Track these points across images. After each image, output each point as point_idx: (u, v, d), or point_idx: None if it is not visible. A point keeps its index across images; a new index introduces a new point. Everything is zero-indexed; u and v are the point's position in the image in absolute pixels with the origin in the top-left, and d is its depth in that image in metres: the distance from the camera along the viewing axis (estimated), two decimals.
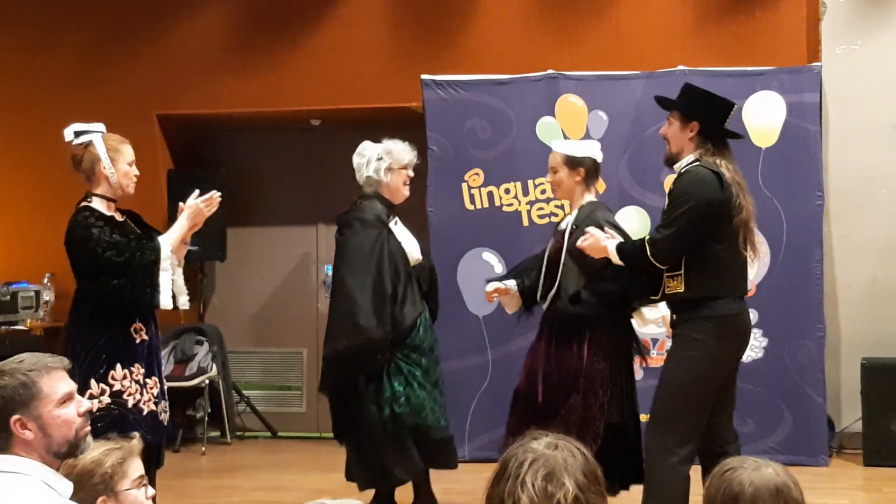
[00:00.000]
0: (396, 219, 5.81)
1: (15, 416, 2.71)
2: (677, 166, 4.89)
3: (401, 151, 5.78)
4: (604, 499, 2.34)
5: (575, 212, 5.34)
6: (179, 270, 5.17)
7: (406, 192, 5.83)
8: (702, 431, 4.74)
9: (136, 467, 3.04)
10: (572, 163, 5.34)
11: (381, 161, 5.76)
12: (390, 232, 5.68)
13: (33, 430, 2.73)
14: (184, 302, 5.15)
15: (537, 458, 2.32)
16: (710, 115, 4.84)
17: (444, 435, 5.73)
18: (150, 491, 3.07)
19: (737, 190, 4.73)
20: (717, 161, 4.77)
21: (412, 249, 5.78)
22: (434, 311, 5.89)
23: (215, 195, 5.19)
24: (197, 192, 5.21)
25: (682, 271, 4.73)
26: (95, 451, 2.98)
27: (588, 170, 5.34)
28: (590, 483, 2.31)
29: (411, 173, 5.83)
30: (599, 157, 5.45)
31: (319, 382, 5.83)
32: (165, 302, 4.94)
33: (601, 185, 7.45)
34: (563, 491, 2.26)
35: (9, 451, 2.73)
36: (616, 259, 4.90)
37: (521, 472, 2.30)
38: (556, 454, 2.33)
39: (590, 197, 5.36)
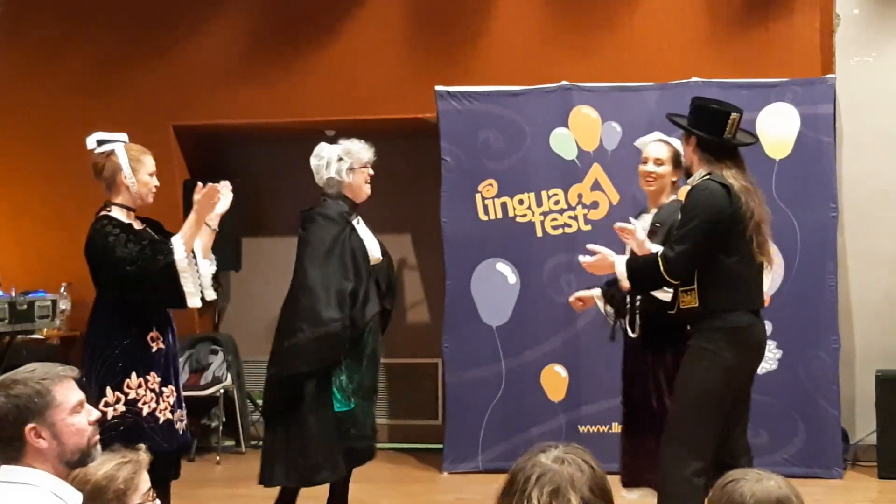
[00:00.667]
0: (359, 217, 5.82)
1: (30, 425, 2.73)
2: (690, 181, 4.90)
3: (360, 150, 5.79)
4: None
5: (654, 210, 5.29)
6: (207, 262, 5.22)
7: (368, 190, 5.85)
8: (716, 443, 4.73)
9: (146, 480, 3.06)
10: (678, 162, 5.26)
11: (342, 162, 5.79)
12: (353, 229, 5.68)
13: (47, 438, 2.75)
14: (210, 294, 5.18)
15: (544, 472, 2.33)
16: (704, 127, 4.83)
17: (370, 444, 5.74)
18: (158, 503, 3.09)
19: (746, 198, 4.73)
20: (724, 172, 4.77)
21: (373, 248, 5.80)
22: (389, 312, 5.91)
23: (223, 184, 5.25)
24: (200, 184, 5.25)
25: (696, 286, 4.73)
26: (106, 466, 2.99)
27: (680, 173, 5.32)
28: (596, 498, 2.31)
29: (371, 171, 5.85)
30: None
31: (268, 376, 5.75)
32: (194, 302, 5.00)
33: (615, 196, 7.49)
34: None
35: (20, 461, 2.74)
36: (623, 277, 4.86)
37: (527, 488, 2.31)
38: (562, 469, 2.33)
39: (674, 196, 5.29)
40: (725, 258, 4.71)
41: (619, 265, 4.87)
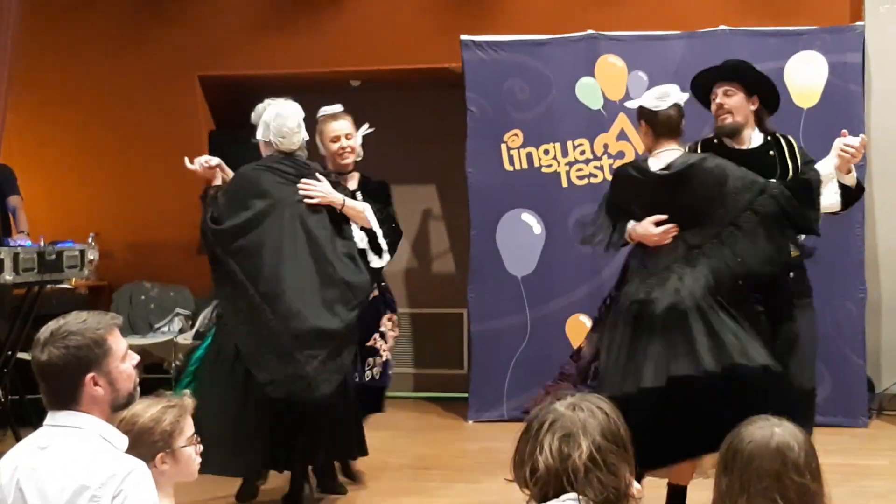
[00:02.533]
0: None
1: (90, 374, 2.80)
2: (749, 136, 4.96)
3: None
4: (625, 460, 2.36)
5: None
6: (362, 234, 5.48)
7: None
8: None
9: (190, 425, 3.13)
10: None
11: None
12: None
13: (104, 385, 2.82)
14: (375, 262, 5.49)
15: (557, 418, 2.37)
16: (769, 94, 5.03)
17: None
18: (200, 447, 3.16)
19: None
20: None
21: None
22: None
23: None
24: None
25: None
26: (153, 409, 3.07)
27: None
28: (608, 443, 2.33)
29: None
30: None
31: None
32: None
33: (641, 146, 7.46)
34: (578, 451, 2.30)
35: (72, 407, 2.81)
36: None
37: (540, 434, 2.36)
38: (575, 415, 2.36)
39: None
40: None
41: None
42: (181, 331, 8.48)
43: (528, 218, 7.64)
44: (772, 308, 4.90)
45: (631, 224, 4.85)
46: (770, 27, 7.31)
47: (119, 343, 2.88)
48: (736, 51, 7.29)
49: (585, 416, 2.36)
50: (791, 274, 5.01)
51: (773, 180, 4.81)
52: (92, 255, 8.66)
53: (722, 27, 7.32)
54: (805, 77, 7.25)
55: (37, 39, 8.77)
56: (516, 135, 7.64)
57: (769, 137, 5.02)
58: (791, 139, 5.10)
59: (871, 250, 7.39)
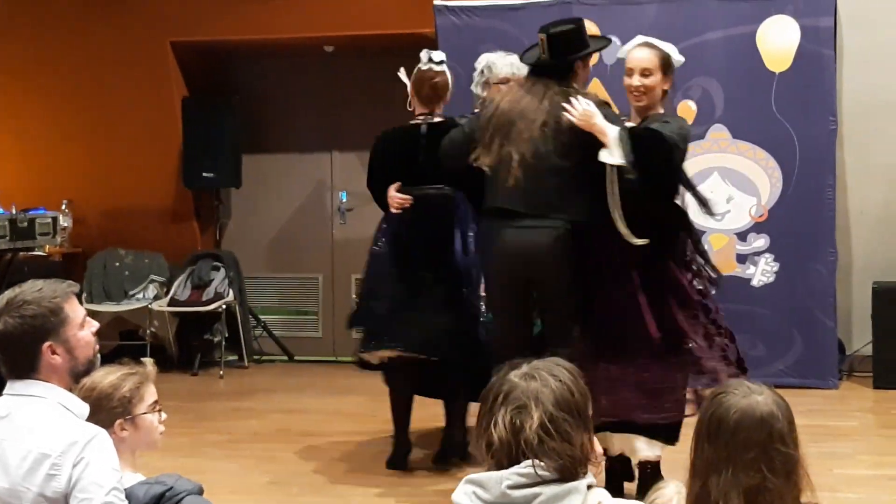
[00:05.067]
0: None
1: (47, 343, 2.80)
2: None
3: (501, 65, 5.53)
4: (582, 428, 2.34)
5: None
6: None
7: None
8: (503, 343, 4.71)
9: (152, 392, 3.12)
10: (668, 67, 4.74)
11: (482, 75, 5.62)
12: None
13: (61, 354, 2.83)
14: None
15: (511, 389, 2.35)
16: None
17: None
18: (164, 415, 3.15)
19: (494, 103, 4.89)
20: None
21: None
22: None
23: None
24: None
25: None
26: (112, 376, 3.06)
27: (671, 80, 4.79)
28: (563, 412, 2.31)
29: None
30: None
31: None
32: None
33: (615, 110, 7.47)
34: (529, 422, 2.28)
35: (31, 375, 2.81)
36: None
37: (494, 406, 2.34)
38: (528, 385, 2.34)
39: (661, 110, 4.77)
40: None
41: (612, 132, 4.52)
42: (156, 297, 8.48)
43: None
44: None
45: None
46: None
47: (76, 311, 2.88)
48: (708, 15, 7.33)
49: (538, 385, 2.33)
50: None
51: None
52: (65, 222, 8.65)
53: None
54: (777, 41, 7.28)
55: (5, 6, 8.69)
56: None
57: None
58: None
59: (841, 214, 7.44)
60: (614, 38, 7.42)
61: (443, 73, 5.63)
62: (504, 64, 5.52)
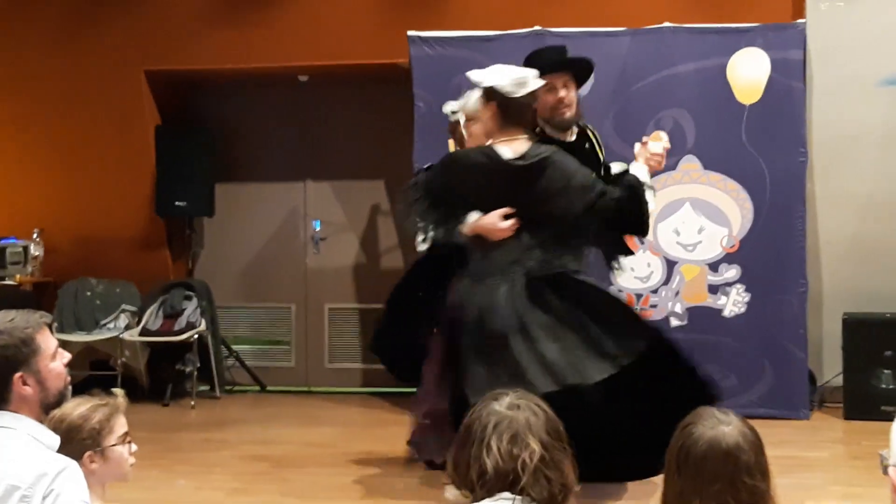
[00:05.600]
0: None
1: (18, 374, 2.78)
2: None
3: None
4: (567, 454, 2.38)
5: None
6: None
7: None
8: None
9: (122, 424, 3.10)
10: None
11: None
12: None
13: (32, 385, 2.81)
14: None
15: (501, 420, 2.35)
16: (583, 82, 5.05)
17: None
18: (134, 447, 3.13)
19: None
20: None
21: None
22: None
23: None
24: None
25: None
26: (82, 407, 3.04)
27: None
28: (553, 440, 2.35)
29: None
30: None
31: None
32: None
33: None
34: (528, 452, 2.30)
35: (1, 406, 2.79)
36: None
37: (485, 436, 2.34)
38: (518, 415, 2.35)
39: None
40: None
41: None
42: (127, 327, 8.43)
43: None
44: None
45: (474, 216, 4.72)
46: (713, 24, 7.39)
47: (48, 342, 2.86)
48: (680, 47, 7.39)
49: (528, 414, 2.36)
50: None
51: (608, 184, 4.75)
52: (36, 251, 8.61)
53: (666, 24, 7.40)
54: (748, 73, 7.35)
55: None
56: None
57: (577, 128, 4.96)
58: (593, 129, 5.01)
59: (812, 244, 7.50)
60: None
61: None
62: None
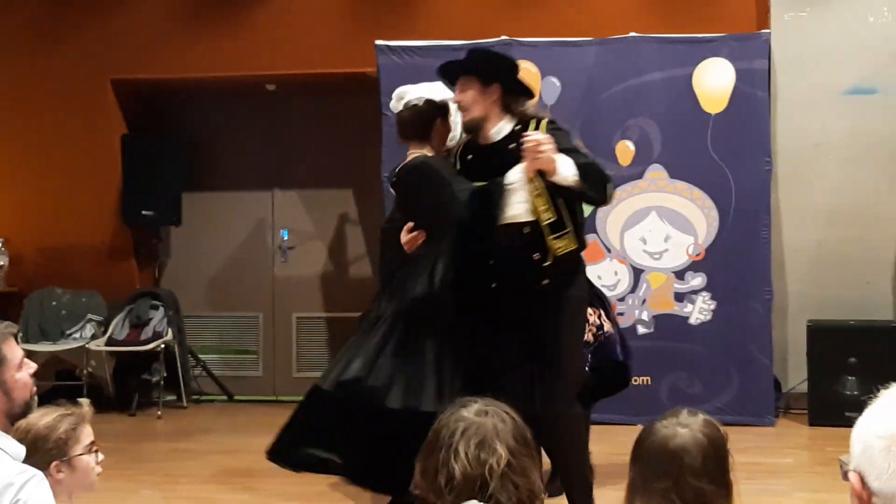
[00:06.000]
0: None
1: None
2: (496, 128, 4.64)
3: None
4: (534, 460, 2.40)
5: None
6: None
7: None
8: None
9: (88, 433, 3.09)
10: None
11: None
12: None
13: None
14: None
15: (469, 426, 2.36)
16: (510, 79, 4.63)
17: None
18: (101, 457, 3.12)
19: None
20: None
21: None
22: None
23: None
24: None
25: (571, 226, 4.51)
26: (48, 417, 3.02)
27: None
28: (520, 446, 2.36)
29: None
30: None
31: None
32: None
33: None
34: (495, 457, 2.31)
35: None
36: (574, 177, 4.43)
37: (453, 442, 2.34)
38: (486, 421, 2.36)
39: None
40: None
41: (565, 163, 4.39)
42: (93, 337, 8.38)
43: None
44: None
45: None
46: (679, 34, 7.44)
47: (14, 352, 2.84)
48: (646, 57, 7.44)
49: (496, 421, 2.38)
50: None
51: (472, 185, 4.56)
52: (1, 260, 8.54)
53: (632, 34, 7.45)
54: (713, 83, 7.41)
55: None
56: None
57: (518, 125, 4.61)
58: (545, 121, 4.62)
59: (777, 252, 7.56)
60: (554, 80, 7.55)
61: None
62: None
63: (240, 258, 9.08)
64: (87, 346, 8.27)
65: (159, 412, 8.13)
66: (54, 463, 2.99)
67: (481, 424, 2.36)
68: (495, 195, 4.47)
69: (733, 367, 7.33)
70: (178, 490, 5.98)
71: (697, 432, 2.41)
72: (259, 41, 8.32)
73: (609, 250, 7.43)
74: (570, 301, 4.57)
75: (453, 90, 4.70)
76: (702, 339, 7.35)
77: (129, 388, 8.34)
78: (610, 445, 5.74)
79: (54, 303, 8.52)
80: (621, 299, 7.44)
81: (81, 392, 7.80)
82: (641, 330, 7.42)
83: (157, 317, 8.29)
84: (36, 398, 2.93)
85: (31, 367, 2.90)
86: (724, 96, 7.39)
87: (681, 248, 7.43)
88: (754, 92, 7.38)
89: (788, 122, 7.66)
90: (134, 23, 8.49)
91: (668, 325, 7.41)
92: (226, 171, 9.08)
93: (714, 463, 2.37)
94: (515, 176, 4.47)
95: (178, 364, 8.35)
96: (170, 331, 8.25)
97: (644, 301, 7.45)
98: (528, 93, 4.70)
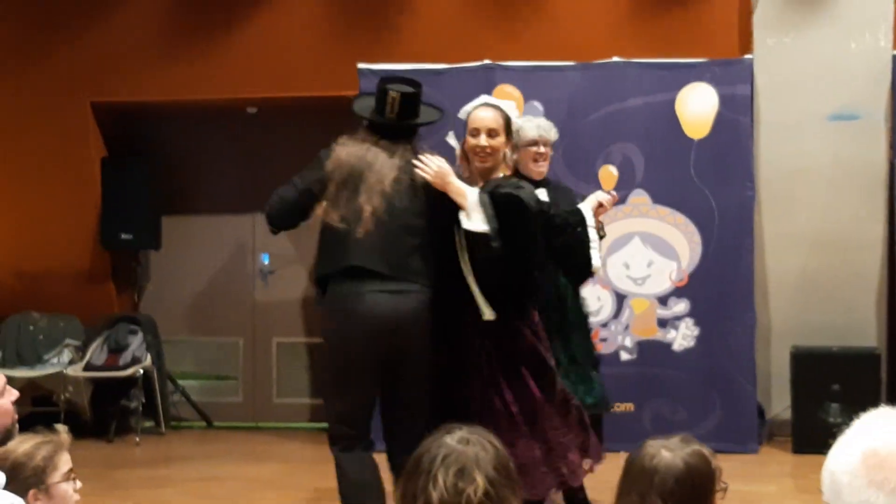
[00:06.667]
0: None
1: None
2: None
3: (528, 128, 5.46)
4: (515, 492, 2.37)
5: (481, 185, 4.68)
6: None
7: (538, 168, 5.45)
8: (354, 417, 4.57)
9: (66, 461, 3.05)
10: (510, 128, 4.81)
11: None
12: None
13: None
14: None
15: (449, 453, 2.34)
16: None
17: None
18: (79, 484, 3.07)
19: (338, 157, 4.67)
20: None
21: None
22: None
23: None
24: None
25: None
26: (26, 444, 2.99)
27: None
28: (501, 477, 2.33)
29: (542, 149, 5.43)
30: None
31: None
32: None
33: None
34: (473, 486, 2.29)
35: None
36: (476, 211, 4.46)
37: (433, 468, 2.32)
38: (467, 449, 2.34)
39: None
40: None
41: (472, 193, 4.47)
42: (71, 362, 8.30)
43: None
44: None
45: None
46: (662, 59, 7.44)
47: None
48: (629, 82, 7.44)
49: (478, 449, 2.35)
50: None
51: None
52: None
53: (615, 58, 7.44)
54: (696, 108, 7.40)
55: None
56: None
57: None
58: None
59: (760, 279, 7.54)
60: (537, 104, 7.54)
61: None
62: (531, 127, 5.49)
63: (220, 282, 9.01)
64: (64, 371, 8.19)
65: (137, 439, 8.05)
66: (32, 491, 2.95)
67: (462, 452, 2.34)
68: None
69: (717, 393, 7.30)
70: None
71: (679, 458, 2.49)
72: (240, 64, 8.28)
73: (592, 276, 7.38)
74: None
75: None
76: (685, 365, 7.31)
77: (106, 415, 8.25)
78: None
79: (31, 327, 8.44)
80: (604, 325, 7.40)
81: (59, 418, 7.71)
82: (625, 356, 7.38)
83: (136, 342, 8.21)
84: (17, 425, 2.89)
85: (13, 394, 2.87)
86: (707, 122, 7.38)
87: (664, 274, 7.40)
88: (737, 117, 7.37)
89: (771, 148, 7.66)
90: (114, 45, 8.44)
91: (652, 351, 7.37)
92: (206, 194, 9.02)
93: (686, 490, 2.45)
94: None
95: (157, 390, 8.27)
96: (148, 356, 8.18)
97: (627, 327, 7.41)
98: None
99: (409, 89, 4.75)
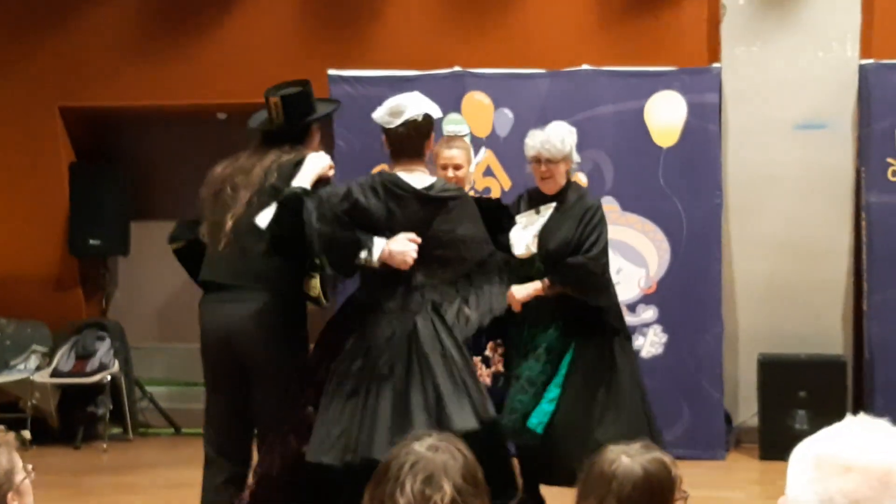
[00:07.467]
0: (539, 208, 5.40)
1: None
2: None
3: (530, 145, 5.45)
4: (483, 500, 2.37)
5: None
6: None
7: (545, 185, 5.44)
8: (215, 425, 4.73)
9: (18, 457, 3.03)
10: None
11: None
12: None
13: None
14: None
15: (418, 460, 2.33)
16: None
17: None
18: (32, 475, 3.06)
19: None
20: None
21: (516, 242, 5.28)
22: None
23: None
24: None
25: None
26: None
27: None
28: (468, 485, 2.33)
29: (542, 167, 5.40)
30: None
31: None
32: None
33: (507, 182, 7.54)
34: (440, 494, 2.28)
35: None
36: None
37: (401, 475, 2.31)
38: (436, 456, 2.34)
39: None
40: None
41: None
42: (38, 368, 8.24)
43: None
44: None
45: (380, 242, 4.42)
46: (631, 67, 7.48)
47: None
48: (598, 90, 7.47)
49: (446, 457, 2.35)
50: None
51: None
52: None
53: (585, 66, 7.47)
54: (664, 116, 7.44)
55: None
56: (384, 170, 7.63)
57: None
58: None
59: (728, 286, 7.58)
60: (507, 112, 7.55)
61: None
62: (532, 145, 5.44)
63: (188, 289, 8.90)
64: (31, 377, 8.13)
65: (105, 445, 8.00)
66: (9, 494, 2.92)
67: (431, 460, 2.33)
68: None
69: (684, 400, 7.33)
70: None
71: (638, 464, 2.51)
72: (210, 70, 8.26)
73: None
74: None
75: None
76: (653, 372, 7.31)
77: (74, 421, 8.20)
78: None
79: None
80: None
81: (25, 425, 7.66)
82: None
83: (104, 348, 8.16)
84: None
85: None
86: (675, 130, 7.42)
87: (632, 281, 7.43)
88: (705, 125, 7.42)
89: (739, 156, 7.71)
90: (83, 50, 8.40)
91: None
92: (175, 200, 8.96)
93: (645, 496, 2.48)
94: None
95: (125, 396, 8.22)
96: (116, 362, 8.13)
97: None
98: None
99: (290, 90, 4.75)
